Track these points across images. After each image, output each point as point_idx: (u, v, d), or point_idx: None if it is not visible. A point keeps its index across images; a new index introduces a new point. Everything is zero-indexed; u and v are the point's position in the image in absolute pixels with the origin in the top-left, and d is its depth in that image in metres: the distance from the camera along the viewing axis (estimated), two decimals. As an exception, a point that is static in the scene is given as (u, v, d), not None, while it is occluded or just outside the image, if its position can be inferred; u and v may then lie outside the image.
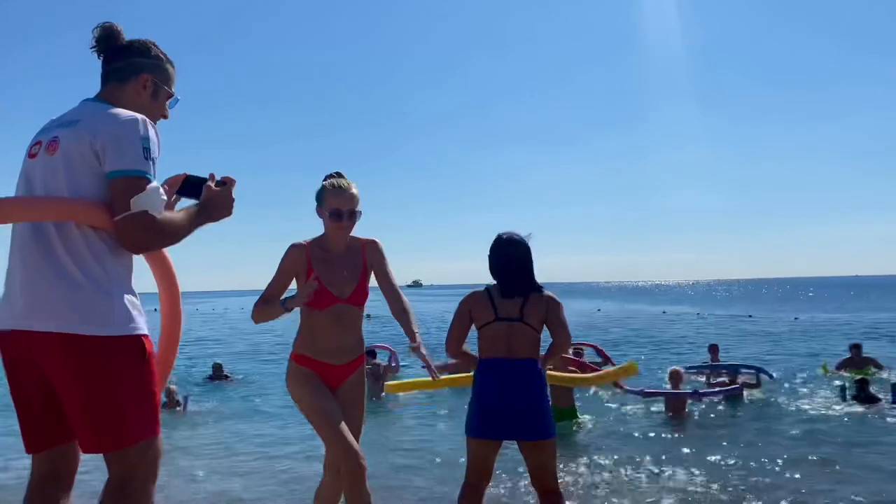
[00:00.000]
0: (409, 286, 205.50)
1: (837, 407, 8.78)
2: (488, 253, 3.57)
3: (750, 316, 28.60)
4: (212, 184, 2.26)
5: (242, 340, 23.10)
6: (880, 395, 9.02)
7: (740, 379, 9.91)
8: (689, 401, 8.86)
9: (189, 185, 2.30)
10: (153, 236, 2.04)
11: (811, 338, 19.13)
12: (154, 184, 2.02)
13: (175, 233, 2.10)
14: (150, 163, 2.04)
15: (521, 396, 3.34)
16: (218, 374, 13.06)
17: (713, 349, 12.07)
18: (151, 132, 2.07)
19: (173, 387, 10.18)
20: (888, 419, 8.08)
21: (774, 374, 10.70)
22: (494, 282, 3.52)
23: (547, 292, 3.48)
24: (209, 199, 2.23)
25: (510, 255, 3.50)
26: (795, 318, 26.78)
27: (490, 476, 3.51)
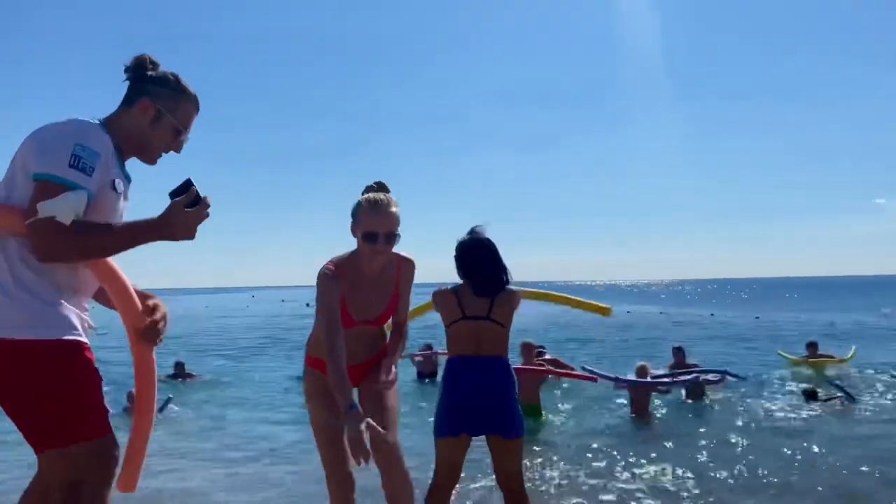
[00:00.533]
0: None
1: (796, 406, 9.03)
2: (456, 255, 3.56)
3: (712, 314, 29.16)
4: (184, 200, 2.08)
5: (209, 338, 22.92)
6: (836, 394, 9.32)
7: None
8: (654, 399, 9.02)
9: (184, 192, 2.10)
10: (59, 246, 1.95)
11: (772, 337, 19.61)
12: (72, 192, 1.94)
13: (96, 245, 2.03)
14: (80, 172, 1.97)
15: (491, 393, 3.37)
16: (180, 372, 12.56)
17: (678, 352, 12.12)
18: (94, 142, 2.01)
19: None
20: (847, 416, 8.39)
21: (740, 374, 10.93)
22: (461, 282, 3.53)
23: (511, 288, 3.50)
24: (172, 217, 2.07)
25: (481, 257, 3.50)
26: (756, 318, 27.40)
27: (458, 477, 3.53)
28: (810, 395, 9.40)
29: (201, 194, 2.10)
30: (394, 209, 2.79)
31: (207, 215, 2.13)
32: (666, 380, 9.50)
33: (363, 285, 2.87)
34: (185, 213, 2.08)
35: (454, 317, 3.47)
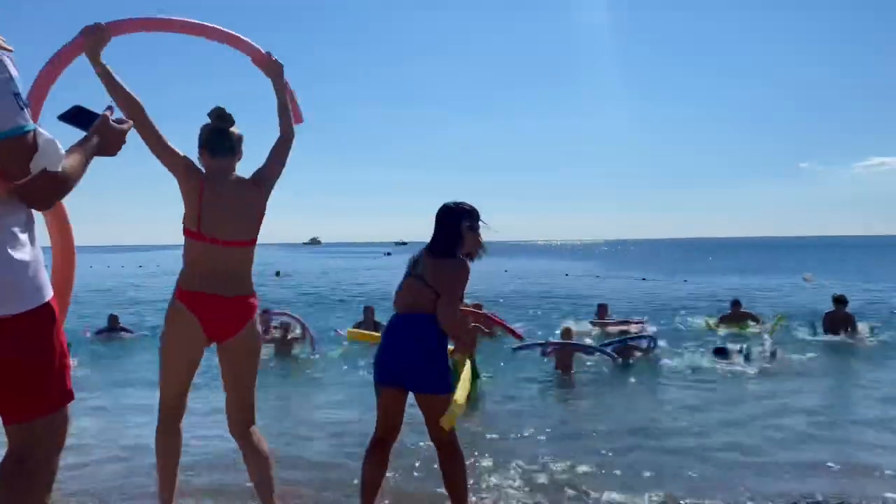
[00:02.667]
0: (306, 244, 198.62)
1: (712, 365, 9.53)
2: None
3: (644, 279, 30.03)
4: (110, 115, 2.17)
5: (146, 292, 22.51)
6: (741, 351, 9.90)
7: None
8: (579, 356, 9.44)
9: (78, 115, 2.20)
10: (58, 191, 1.98)
11: (697, 298, 20.43)
12: (46, 136, 1.93)
13: (76, 178, 2.03)
14: (27, 110, 1.91)
15: (415, 349, 3.51)
16: (114, 326, 12.30)
17: (602, 309, 12.80)
18: (12, 68, 1.89)
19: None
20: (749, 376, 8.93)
21: (660, 343, 11.33)
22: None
23: (454, 259, 3.58)
24: (106, 131, 2.14)
25: (439, 220, 3.67)
26: (684, 281, 28.41)
27: (397, 431, 3.66)
28: (719, 352, 9.98)
29: (94, 110, 2.18)
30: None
31: (130, 127, 2.22)
32: (593, 345, 10.03)
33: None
34: (113, 130, 2.15)
35: (406, 273, 3.68)
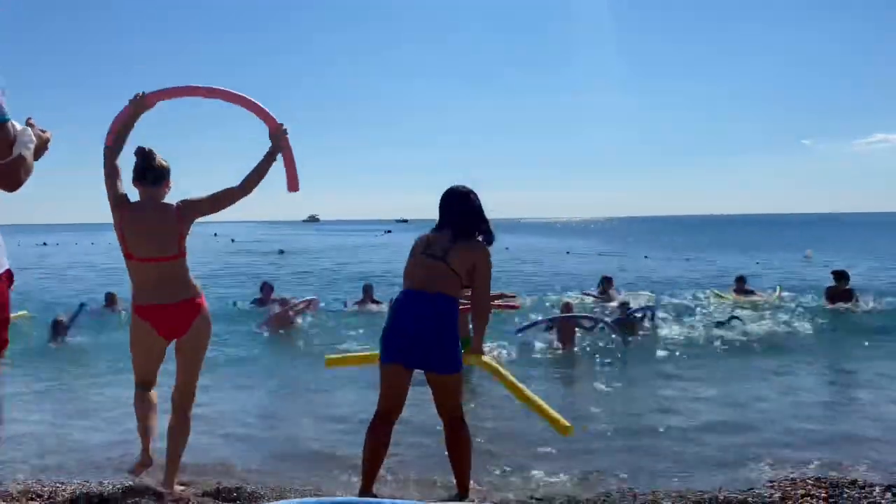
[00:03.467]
0: (305, 221, 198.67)
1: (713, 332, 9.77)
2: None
3: (646, 257, 30.03)
4: (36, 127, 2.42)
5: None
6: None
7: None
8: (579, 332, 9.46)
9: None
10: (27, 175, 2.26)
11: (699, 276, 20.43)
12: (18, 126, 2.24)
13: (33, 161, 2.33)
14: (3, 100, 2.16)
15: (431, 329, 3.52)
16: (112, 304, 12.12)
17: (607, 281, 12.81)
18: None
19: (62, 318, 9.78)
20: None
21: (659, 314, 11.42)
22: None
23: (478, 241, 3.70)
24: (37, 137, 2.40)
25: (453, 202, 3.76)
26: (686, 260, 28.39)
27: (401, 409, 3.67)
28: (719, 325, 10.21)
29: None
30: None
31: (50, 136, 2.48)
32: (594, 317, 10.08)
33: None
34: (40, 137, 2.43)
35: (417, 252, 3.69)
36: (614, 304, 11.62)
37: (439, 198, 3.83)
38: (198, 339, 3.68)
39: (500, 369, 3.96)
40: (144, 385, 3.74)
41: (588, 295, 12.79)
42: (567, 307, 9.71)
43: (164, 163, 3.72)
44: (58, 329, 9.51)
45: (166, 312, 3.59)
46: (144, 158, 3.68)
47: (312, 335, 10.20)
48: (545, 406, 3.77)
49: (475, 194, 3.81)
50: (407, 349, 3.54)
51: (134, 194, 3.72)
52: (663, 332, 10.03)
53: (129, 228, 3.60)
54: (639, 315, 10.29)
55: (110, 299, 12.36)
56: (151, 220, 3.61)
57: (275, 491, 3.97)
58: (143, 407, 3.70)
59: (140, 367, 3.75)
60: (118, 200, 3.67)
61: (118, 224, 3.62)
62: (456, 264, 3.59)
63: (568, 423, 3.68)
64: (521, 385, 3.85)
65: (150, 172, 3.67)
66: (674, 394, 6.83)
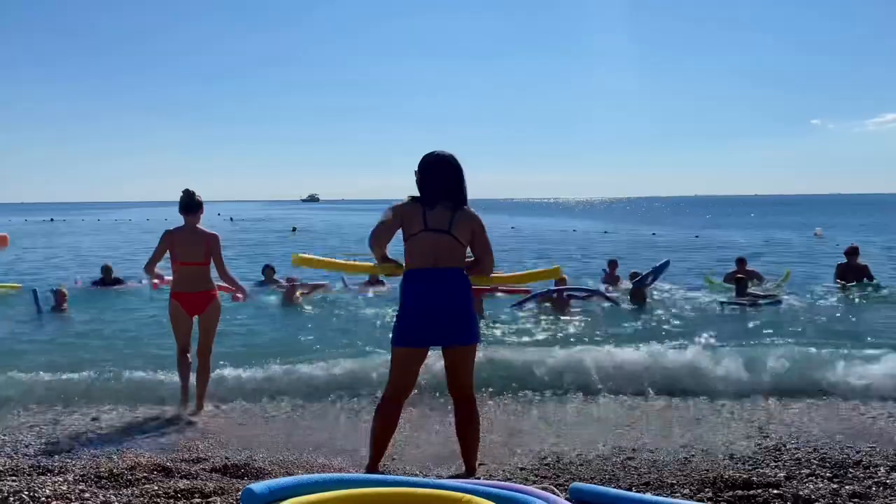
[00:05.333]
0: (304, 200, 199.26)
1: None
2: (419, 168, 3.69)
3: (653, 234, 29.94)
4: None
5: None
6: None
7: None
8: (574, 305, 9.64)
9: None
10: None
11: (706, 254, 20.35)
12: None
13: None
14: None
15: (450, 303, 3.53)
16: (108, 278, 12.00)
17: (612, 265, 12.77)
18: None
19: (63, 288, 10.19)
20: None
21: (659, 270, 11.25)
22: (419, 195, 3.67)
23: (470, 209, 3.67)
24: None
25: (447, 171, 3.65)
26: (696, 237, 28.27)
27: (411, 389, 3.70)
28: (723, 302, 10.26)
29: None
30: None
31: None
32: (587, 288, 10.64)
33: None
34: None
35: (416, 229, 3.59)
36: (622, 286, 11.61)
37: (419, 162, 3.71)
38: (212, 316, 5.46)
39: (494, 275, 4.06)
40: (183, 349, 5.46)
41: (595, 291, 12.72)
42: (560, 280, 9.79)
43: (199, 198, 5.47)
44: (58, 299, 9.96)
45: (192, 297, 5.35)
46: (188, 196, 5.42)
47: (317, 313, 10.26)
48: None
49: (455, 158, 3.73)
50: (426, 329, 3.54)
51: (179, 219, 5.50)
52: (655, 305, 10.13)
53: (177, 244, 5.35)
54: (648, 281, 10.32)
55: (106, 273, 12.26)
56: (192, 239, 5.38)
57: (282, 467, 4.01)
58: (183, 366, 5.46)
59: (179, 337, 5.43)
60: (167, 239, 5.41)
61: (167, 240, 5.38)
62: (460, 235, 3.60)
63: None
64: (509, 275, 4.09)
65: (193, 206, 5.42)
66: (680, 359, 6.62)
